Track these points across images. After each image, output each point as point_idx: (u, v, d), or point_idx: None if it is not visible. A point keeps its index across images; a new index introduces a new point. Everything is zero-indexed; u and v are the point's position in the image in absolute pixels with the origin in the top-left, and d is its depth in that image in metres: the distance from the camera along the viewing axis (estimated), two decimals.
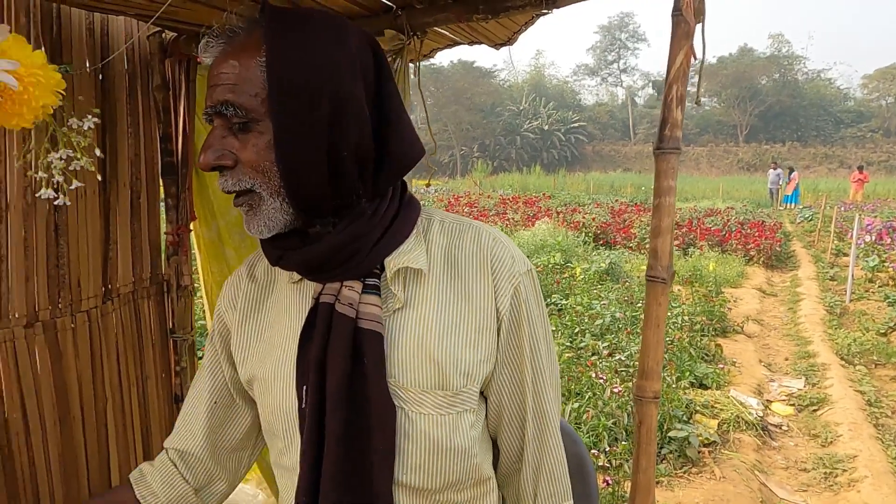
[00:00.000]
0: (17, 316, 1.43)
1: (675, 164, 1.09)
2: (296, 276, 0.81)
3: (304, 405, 0.74)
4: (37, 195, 0.80)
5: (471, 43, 1.69)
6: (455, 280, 0.78)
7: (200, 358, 3.03)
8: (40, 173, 0.76)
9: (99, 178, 1.30)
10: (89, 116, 0.79)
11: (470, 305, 0.77)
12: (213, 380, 0.90)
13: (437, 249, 0.79)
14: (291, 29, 0.69)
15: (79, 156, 0.75)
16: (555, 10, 1.30)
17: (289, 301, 0.82)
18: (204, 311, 2.00)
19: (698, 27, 1.10)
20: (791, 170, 19.46)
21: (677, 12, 1.06)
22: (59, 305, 1.53)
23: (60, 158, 0.74)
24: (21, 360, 1.45)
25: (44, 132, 0.75)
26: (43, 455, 1.52)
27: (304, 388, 0.74)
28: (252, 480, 2.10)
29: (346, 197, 0.74)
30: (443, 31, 1.56)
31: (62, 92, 0.62)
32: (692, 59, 1.11)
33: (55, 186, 0.77)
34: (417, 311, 0.76)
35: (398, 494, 0.75)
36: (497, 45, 1.68)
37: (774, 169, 20.09)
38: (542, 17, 1.49)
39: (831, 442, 3.45)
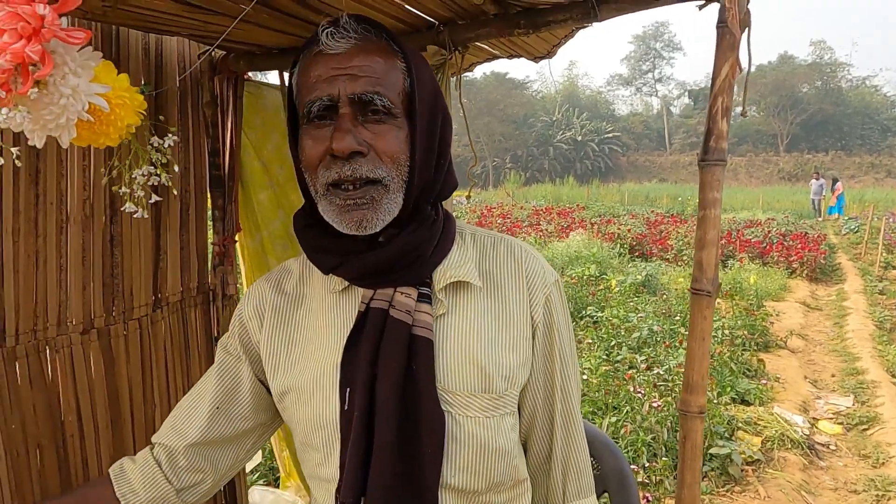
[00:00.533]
0: (74, 323, 1.50)
1: (720, 176, 1.08)
2: (339, 285, 0.82)
3: (346, 407, 0.76)
4: (121, 209, 0.85)
5: (510, 56, 1.70)
6: (492, 289, 0.83)
7: None
8: (123, 188, 0.81)
9: (175, 192, 1.35)
10: (170, 135, 0.84)
11: (508, 313, 0.82)
12: (220, 383, 0.91)
13: (472, 260, 0.84)
14: (413, 48, 0.80)
15: (159, 171, 0.80)
16: (596, 23, 1.30)
17: (327, 312, 0.83)
18: None
19: (743, 38, 1.10)
20: (835, 180, 18.83)
21: (722, 24, 1.06)
22: (113, 313, 1.59)
23: (143, 174, 0.79)
24: (77, 365, 1.51)
25: (126, 150, 0.79)
26: (96, 456, 1.57)
27: (348, 390, 0.76)
28: (291, 487, 2.14)
29: (428, 200, 0.80)
30: (483, 45, 1.58)
31: (143, 113, 0.66)
32: (737, 70, 1.10)
33: (136, 201, 0.82)
34: (460, 318, 0.80)
35: (444, 497, 0.76)
36: (536, 59, 1.69)
37: (817, 179, 19.48)
38: (582, 30, 1.50)
39: (883, 463, 3.30)
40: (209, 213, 1.88)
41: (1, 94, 0.54)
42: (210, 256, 1.89)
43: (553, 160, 42.14)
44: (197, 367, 1.86)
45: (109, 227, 1.55)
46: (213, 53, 1.76)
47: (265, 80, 1.90)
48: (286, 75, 1.86)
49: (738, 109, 1.26)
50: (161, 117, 1.32)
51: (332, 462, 0.79)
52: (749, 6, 1.12)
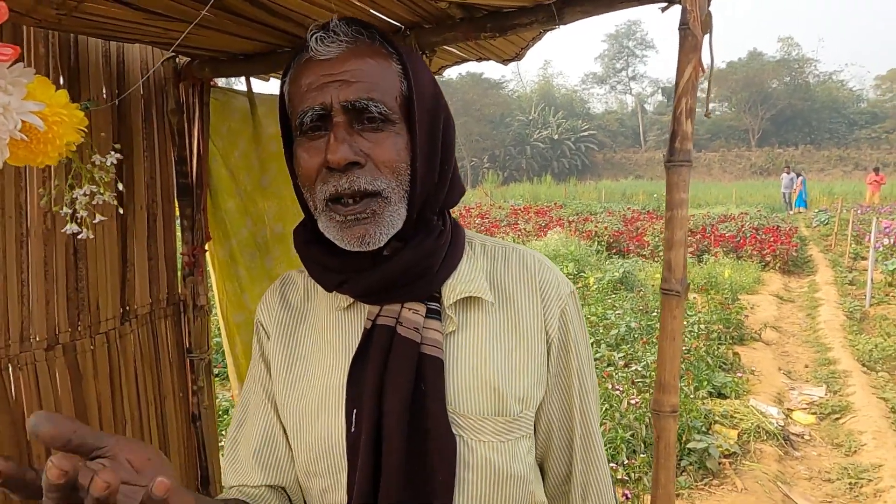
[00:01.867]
0: (38, 339, 1.46)
1: (686, 177, 1.09)
2: (344, 302, 0.78)
3: (352, 429, 0.71)
4: (62, 231, 0.82)
5: (479, 59, 1.70)
6: (504, 303, 0.78)
7: (216, 376, 3.03)
8: (65, 209, 0.78)
9: (121, 210, 1.32)
10: (112, 153, 0.81)
11: (521, 329, 0.77)
12: (265, 411, 0.83)
13: (483, 272, 0.79)
14: (410, 49, 0.77)
15: (101, 190, 0.77)
16: (561, 25, 1.31)
17: (331, 330, 0.79)
18: (219, 330, 2.02)
19: (706, 39, 1.11)
20: (797, 174, 19.30)
21: (684, 26, 1.07)
22: (79, 328, 1.55)
23: (84, 194, 0.76)
24: (42, 383, 1.47)
25: (65, 169, 0.77)
26: None
27: (355, 411, 0.72)
28: None
29: (433, 210, 0.76)
30: (451, 48, 1.57)
31: (84, 129, 0.64)
32: (701, 71, 1.11)
33: (79, 221, 0.79)
34: (471, 336, 0.75)
35: None
36: (505, 61, 1.69)
37: (787, 173, 19.91)
38: (549, 32, 1.50)
39: (855, 451, 3.38)
40: (178, 222, 1.85)
41: None
42: (180, 266, 1.86)
43: (530, 159, 42.39)
44: (168, 381, 1.83)
45: (73, 239, 1.51)
46: (177, 60, 1.72)
47: (231, 87, 1.87)
48: (253, 81, 1.84)
49: (711, 107, 1.27)
50: (102, 133, 1.29)
51: (339, 489, 0.74)
52: (710, 8, 1.13)
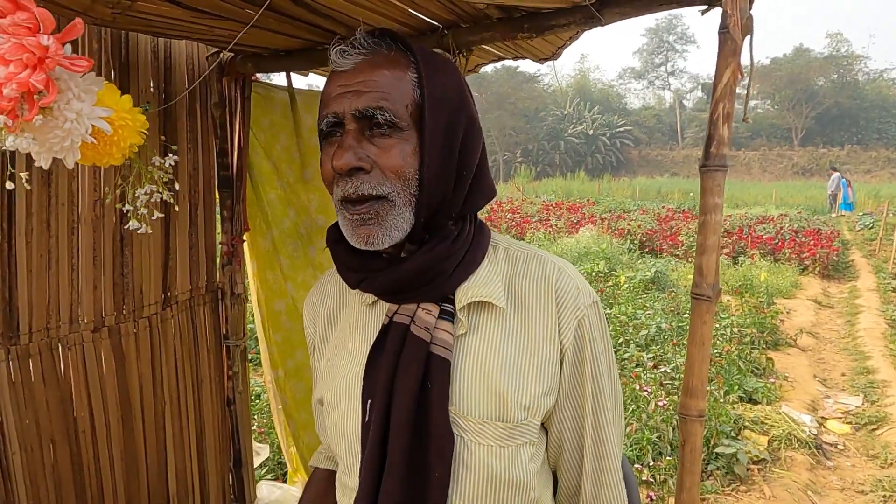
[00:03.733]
0: (85, 321, 1.54)
1: (721, 182, 1.08)
2: (369, 298, 0.82)
3: (366, 419, 0.76)
4: (125, 227, 0.88)
5: (515, 58, 1.71)
6: (519, 310, 0.78)
7: (251, 361, 3.12)
8: (127, 206, 0.83)
9: (177, 208, 1.39)
10: (171, 155, 0.86)
11: (533, 337, 0.77)
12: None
13: (502, 276, 0.80)
14: (432, 54, 0.77)
15: (160, 189, 0.82)
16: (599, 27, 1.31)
17: (359, 323, 0.84)
18: (254, 318, 2.08)
19: (746, 42, 1.09)
20: (841, 175, 18.60)
21: (724, 30, 1.06)
22: (124, 311, 1.63)
23: (145, 193, 0.81)
24: (89, 363, 1.55)
25: (129, 168, 0.82)
26: (107, 452, 1.61)
27: (369, 402, 0.76)
28: (298, 482, 2.17)
29: (449, 215, 0.77)
30: (488, 47, 1.58)
31: (145, 132, 0.68)
32: (740, 75, 1.10)
33: (139, 217, 0.84)
34: (480, 340, 0.76)
35: None
36: (542, 60, 1.69)
37: (832, 173, 19.22)
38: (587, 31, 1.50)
39: (891, 463, 3.28)
40: (218, 212, 1.91)
41: (7, 121, 0.56)
42: (219, 255, 1.92)
43: (564, 154, 41.93)
44: (206, 366, 1.90)
45: (120, 227, 1.58)
46: (221, 55, 1.78)
47: (272, 82, 1.91)
48: (293, 76, 1.88)
49: (752, 105, 1.26)
50: (162, 137, 1.35)
51: (353, 472, 0.79)
52: (752, 10, 1.11)
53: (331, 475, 0.98)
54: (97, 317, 1.56)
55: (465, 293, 0.77)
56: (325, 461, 1.02)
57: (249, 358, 3.67)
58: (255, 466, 2.10)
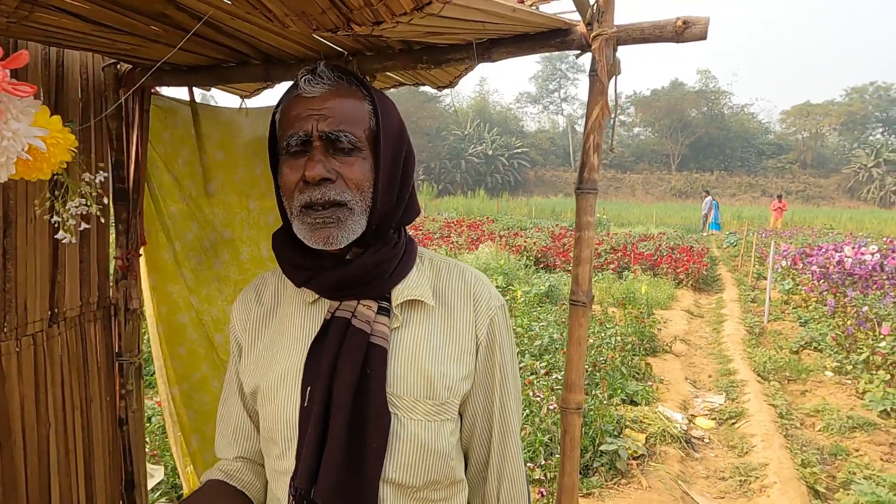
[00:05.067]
0: None
1: (593, 203, 1.25)
2: (311, 297, 0.93)
3: (305, 404, 0.85)
4: (55, 237, 0.88)
5: (416, 84, 1.82)
6: (442, 309, 0.93)
7: (146, 378, 2.96)
8: (55, 218, 0.85)
9: (102, 220, 1.38)
10: (101, 172, 0.88)
11: (455, 330, 0.92)
12: (242, 394, 1.00)
13: (428, 282, 0.95)
14: (381, 94, 0.93)
15: (89, 203, 0.84)
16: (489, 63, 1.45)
17: (296, 320, 0.94)
18: (149, 335, 2.02)
19: (612, 84, 1.28)
20: (712, 198, 20.64)
21: (593, 73, 1.23)
22: (5, 329, 1.54)
23: (76, 206, 0.83)
24: None
25: (54, 182, 0.83)
26: None
27: (309, 389, 0.86)
28: None
29: (391, 224, 0.91)
30: (391, 74, 1.69)
31: (74, 150, 0.71)
32: (608, 112, 1.28)
33: (67, 229, 0.86)
34: (413, 332, 0.90)
35: (385, 490, 0.85)
36: (440, 87, 1.82)
37: (706, 196, 21.26)
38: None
39: (747, 452, 3.73)
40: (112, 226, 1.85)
41: None
42: (112, 270, 1.86)
43: (465, 173, 43.03)
44: (96, 384, 1.82)
45: (2, 241, 1.50)
46: (119, 66, 1.75)
47: (173, 96, 1.90)
48: (196, 91, 1.88)
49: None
50: (92, 155, 1.34)
51: (289, 455, 0.87)
52: (617, 55, 1.30)
53: (223, 486, 0.99)
54: None
55: (401, 293, 0.91)
56: (221, 474, 1.02)
57: (146, 376, 3.48)
58: (149, 489, 2.03)
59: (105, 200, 1.00)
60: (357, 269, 0.87)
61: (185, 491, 2.16)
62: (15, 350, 1.57)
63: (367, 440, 0.84)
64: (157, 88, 1.80)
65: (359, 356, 0.85)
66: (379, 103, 0.89)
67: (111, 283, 1.85)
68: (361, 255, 0.89)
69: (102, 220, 1.45)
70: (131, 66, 1.71)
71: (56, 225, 0.82)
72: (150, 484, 2.20)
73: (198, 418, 2.01)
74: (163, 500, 2.49)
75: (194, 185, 1.90)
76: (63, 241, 0.88)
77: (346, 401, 0.83)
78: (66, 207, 0.81)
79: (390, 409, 0.85)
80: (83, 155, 1.71)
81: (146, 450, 2.85)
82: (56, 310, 1.69)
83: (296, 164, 0.86)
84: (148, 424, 3.22)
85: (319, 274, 0.88)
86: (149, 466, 2.18)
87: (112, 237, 1.84)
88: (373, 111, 0.88)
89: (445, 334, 0.91)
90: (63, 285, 1.70)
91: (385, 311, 0.89)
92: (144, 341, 2.43)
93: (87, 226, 0.95)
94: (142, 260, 1.89)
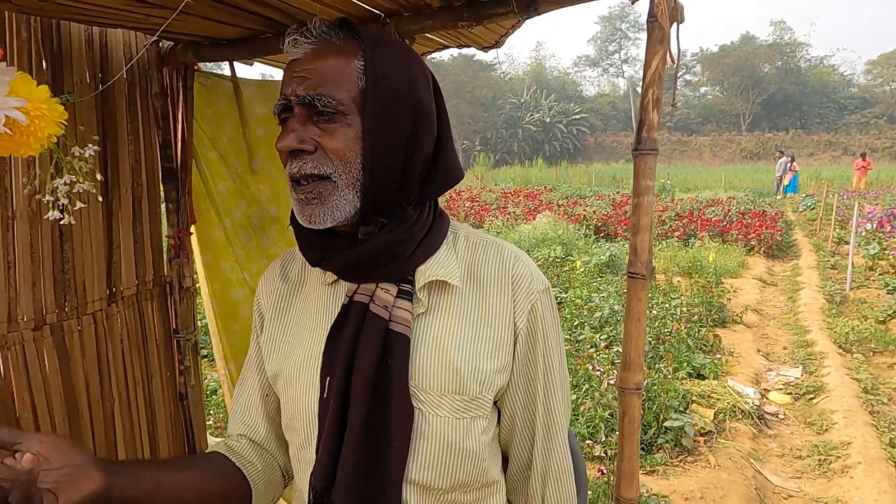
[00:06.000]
0: (25, 319, 1.49)
1: (652, 165, 1.13)
2: (330, 277, 0.85)
3: (325, 395, 0.79)
4: (45, 217, 0.86)
5: (459, 46, 1.73)
6: (476, 292, 0.83)
7: (203, 356, 3.07)
8: (47, 197, 0.82)
9: (100, 199, 1.36)
10: (90, 145, 0.85)
11: (489, 318, 0.82)
12: (259, 374, 0.95)
13: (462, 262, 0.84)
14: (381, 43, 0.79)
15: (81, 180, 0.81)
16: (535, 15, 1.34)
17: (318, 301, 0.87)
18: (204, 312, 2.06)
19: (673, 31, 1.14)
20: (791, 159, 19.34)
21: (652, 18, 1.10)
22: (66, 309, 1.59)
23: (65, 183, 0.80)
24: (30, 362, 1.51)
25: (48, 159, 0.81)
26: None
27: (328, 379, 0.79)
28: None
29: (402, 200, 0.80)
30: (432, 36, 1.60)
31: (64, 122, 0.67)
32: (670, 62, 1.15)
33: (60, 208, 0.83)
34: (440, 319, 0.81)
35: (408, 492, 0.78)
36: (485, 48, 1.71)
37: (780, 157, 19.99)
38: (530, 19, 1.53)
39: (826, 429, 3.49)
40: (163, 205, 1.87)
41: None
42: (165, 248, 1.89)
43: (522, 142, 42.28)
44: (155, 360, 1.87)
45: (58, 223, 1.53)
46: (160, 45, 1.74)
47: (215, 72, 1.88)
48: (237, 65, 1.85)
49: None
50: (81, 127, 1.32)
51: (310, 446, 0.81)
52: (679, 0, 1.16)
53: (221, 458, 0.91)
54: (37, 315, 1.52)
55: (423, 273, 0.81)
56: (224, 448, 0.94)
57: (204, 353, 3.62)
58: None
59: (99, 177, 0.97)
60: (370, 250, 0.78)
61: None
62: (76, 329, 1.62)
63: (388, 437, 0.76)
64: (199, 65, 1.79)
65: (377, 345, 0.77)
66: (370, 55, 0.76)
67: (165, 262, 1.89)
68: (374, 234, 0.80)
69: (100, 199, 1.44)
70: (173, 44, 1.70)
71: (49, 204, 0.79)
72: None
73: None
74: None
75: (239, 162, 1.89)
76: (61, 223, 0.85)
77: (365, 394, 0.76)
78: (55, 185, 0.77)
79: (413, 404, 0.77)
80: (131, 136, 1.72)
81: (211, 422, 2.97)
82: (114, 289, 1.73)
83: (280, 134, 0.78)
84: (214, 397, 3.35)
85: (331, 254, 0.80)
86: (211, 439, 2.25)
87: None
88: (363, 69, 0.76)
89: (478, 321, 0.81)
90: (119, 265, 1.73)
91: (407, 295, 0.80)
92: (200, 317, 2.49)
93: (84, 205, 0.93)
94: (194, 238, 1.91)
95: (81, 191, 0.83)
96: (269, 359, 0.91)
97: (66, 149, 0.81)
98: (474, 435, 0.80)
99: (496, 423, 0.87)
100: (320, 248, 0.81)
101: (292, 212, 0.84)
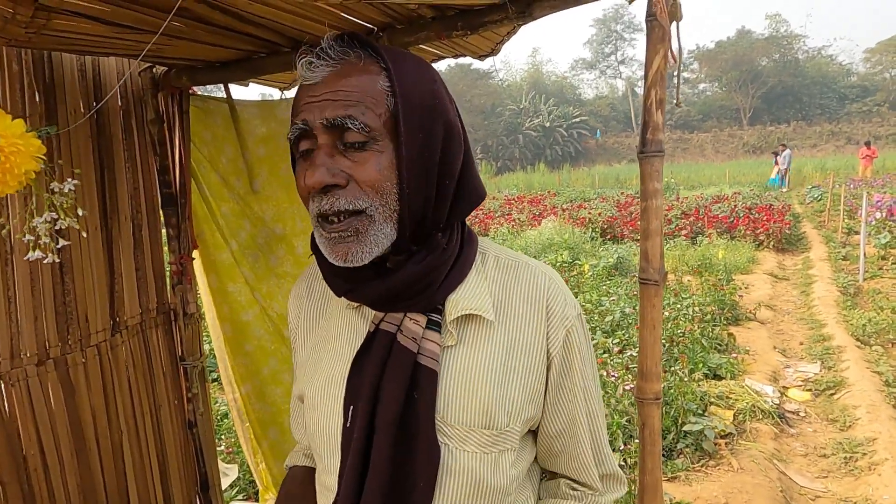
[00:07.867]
0: (28, 355, 1.47)
1: (659, 167, 1.10)
2: (354, 302, 0.81)
3: (347, 424, 0.75)
4: (25, 258, 0.84)
5: (455, 56, 1.70)
6: (508, 319, 0.79)
7: (214, 380, 3.05)
8: (28, 236, 0.79)
9: (84, 234, 1.35)
10: (69, 180, 0.83)
11: (521, 346, 0.78)
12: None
13: (492, 285, 0.80)
14: (403, 58, 0.73)
15: (62, 216, 0.78)
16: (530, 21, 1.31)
17: (342, 323, 0.83)
18: (210, 337, 2.03)
19: (674, 30, 1.11)
20: (775, 152, 19.22)
21: (651, 17, 1.07)
22: (69, 341, 1.57)
23: (45, 221, 0.77)
24: (35, 398, 1.48)
25: (27, 197, 0.78)
26: (62, 487, 1.55)
27: (352, 408, 0.75)
28: (270, 501, 2.13)
29: (433, 226, 0.75)
30: (426, 47, 1.58)
31: (43, 157, 0.65)
32: (671, 61, 1.12)
33: (42, 247, 0.80)
34: (470, 351, 0.77)
35: None
36: (481, 56, 1.69)
37: (783, 150, 19.86)
38: (525, 25, 1.51)
39: (850, 426, 3.42)
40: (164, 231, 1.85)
41: None
42: (168, 276, 1.86)
43: (523, 148, 42.31)
44: (162, 389, 1.84)
45: (59, 254, 1.51)
46: (154, 70, 1.73)
47: (210, 95, 1.87)
48: (234, 87, 1.84)
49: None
50: (60, 161, 1.30)
51: (332, 472, 0.78)
52: None
53: (308, 472, 0.96)
54: (40, 349, 1.50)
55: (455, 305, 0.76)
56: (304, 458, 1.01)
57: (214, 377, 3.59)
58: (224, 488, 2.05)
59: (80, 212, 0.94)
60: (401, 281, 0.74)
61: (260, 489, 2.18)
62: (81, 361, 1.60)
63: (413, 477, 0.73)
64: (195, 89, 1.77)
65: (404, 379, 0.73)
66: (396, 73, 0.70)
67: (168, 289, 1.86)
68: (404, 264, 0.75)
69: (84, 235, 1.42)
70: (167, 69, 1.69)
71: (29, 244, 0.76)
72: (226, 483, 2.24)
73: (273, 411, 2.03)
74: (240, 497, 2.54)
75: (241, 183, 1.87)
76: (44, 262, 0.82)
77: (392, 429, 0.72)
78: (34, 224, 0.74)
79: (440, 439, 0.74)
80: (129, 163, 1.71)
81: (223, 448, 2.94)
82: (117, 318, 1.71)
83: (304, 167, 0.72)
84: (224, 421, 3.31)
85: (359, 286, 0.75)
86: (223, 465, 2.22)
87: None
88: (390, 87, 0.70)
89: (509, 350, 0.77)
90: (122, 294, 1.71)
91: (436, 326, 0.75)
92: (206, 341, 2.47)
93: (67, 242, 0.90)
94: (197, 263, 1.89)
95: (63, 228, 0.80)
96: (296, 379, 0.90)
97: (47, 185, 0.78)
98: (502, 470, 0.77)
99: (525, 457, 0.84)
100: (346, 278, 0.76)
101: (313, 239, 0.80)
